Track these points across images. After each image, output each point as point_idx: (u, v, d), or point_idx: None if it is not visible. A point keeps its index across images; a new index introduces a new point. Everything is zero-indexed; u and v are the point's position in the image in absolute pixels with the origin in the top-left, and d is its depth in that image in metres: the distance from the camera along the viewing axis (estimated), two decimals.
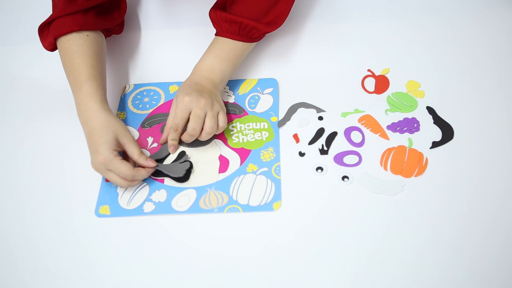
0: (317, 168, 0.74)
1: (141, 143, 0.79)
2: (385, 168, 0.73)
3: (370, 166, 0.73)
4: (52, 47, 0.79)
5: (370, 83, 0.85)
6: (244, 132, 0.79)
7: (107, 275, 0.66)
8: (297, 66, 0.87)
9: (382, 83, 0.84)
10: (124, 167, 0.69)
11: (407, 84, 0.84)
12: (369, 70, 0.86)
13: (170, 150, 0.76)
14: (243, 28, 0.78)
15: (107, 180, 0.74)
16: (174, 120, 0.75)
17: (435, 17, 0.90)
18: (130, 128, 0.81)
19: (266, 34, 0.82)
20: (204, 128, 0.74)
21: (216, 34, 0.81)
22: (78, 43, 0.76)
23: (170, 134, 0.76)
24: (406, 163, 0.73)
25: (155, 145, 0.78)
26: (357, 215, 0.69)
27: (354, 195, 0.70)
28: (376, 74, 0.86)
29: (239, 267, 0.65)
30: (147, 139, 0.79)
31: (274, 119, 0.81)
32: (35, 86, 0.88)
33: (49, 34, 0.77)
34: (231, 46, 0.79)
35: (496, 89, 0.81)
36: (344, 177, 0.72)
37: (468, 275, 0.63)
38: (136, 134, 0.80)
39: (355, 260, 0.65)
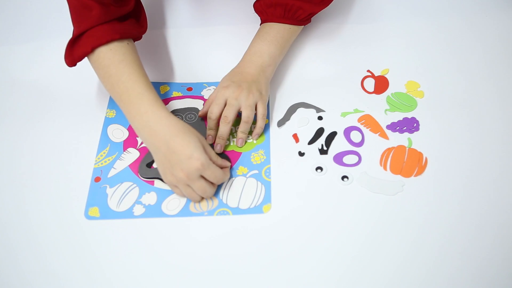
0: (317, 168, 0.73)
1: (130, 142, 0.78)
2: (385, 168, 0.73)
3: (369, 166, 0.73)
4: (79, 60, 0.73)
5: (370, 84, 0.85)
6: (235, 134, 0.78)
7: (96, 278, 0.65)
8: (297, 66, 0.87)
9: (381, 84, 0.84)
10: (219, 170, 0.68)
11: (406, 84, 0.84)
12: (368, 71, 0.86)
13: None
14: (288, 10, 0.78)
15: (96, 180, 0.73)
16: (209, 111, 0.75)
17: (435, 18, 0.90)
18: (120, 127, 0.80)
19: (313, 16, 0.82)
20: (242, 118, 0.75)
21: (261, 23, 0.82)
22: (121, 52, 0.71)
23: (208, 123, 0.76)
24: (406, 163, 0.73)
25: (144, 144, 0.77)
26: (357, 215, 0.68)
27: (354, 195, 0.70)
28: (376, 75, 0.86)
29: (230, 269, 0.64)
30: (137, 138, 0.78)
31: (265, 121, 0.80)
32: (35, 86, 0.88)
33: (84, 44, 0.71)
34: (277, 29, 0.79)
35: (495, 89, 0.82)
36: (343, 177, 0.72)
37: (469, 274, 0.63)
38: (125, 133, 0.79)
39: (355, 260, 0.64)
